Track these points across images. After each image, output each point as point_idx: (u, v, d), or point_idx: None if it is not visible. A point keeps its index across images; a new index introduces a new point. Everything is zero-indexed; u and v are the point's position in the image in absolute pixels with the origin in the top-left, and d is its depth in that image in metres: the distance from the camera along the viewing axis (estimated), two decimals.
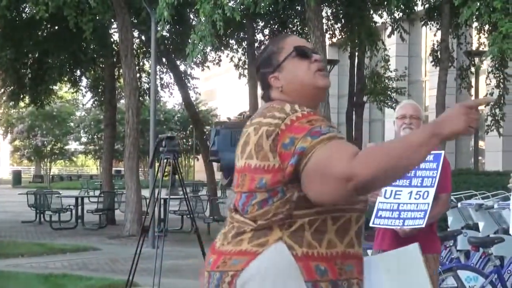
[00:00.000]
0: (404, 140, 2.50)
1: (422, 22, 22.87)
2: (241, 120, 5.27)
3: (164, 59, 25.89)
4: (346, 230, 2.64)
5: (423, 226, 4.94)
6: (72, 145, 66.85)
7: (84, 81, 28.41)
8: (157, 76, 25.02)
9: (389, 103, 24.34)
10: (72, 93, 39.99)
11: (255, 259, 2.59)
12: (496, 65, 21.31)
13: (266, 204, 2.63)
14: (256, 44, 24.55)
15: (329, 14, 23.12)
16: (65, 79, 27.27)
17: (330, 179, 2.46)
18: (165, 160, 9.20)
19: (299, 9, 22.83)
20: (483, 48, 20.88)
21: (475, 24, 19.88)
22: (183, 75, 26.96)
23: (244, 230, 2.66)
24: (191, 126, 49.90)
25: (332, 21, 23.35)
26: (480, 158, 28.50)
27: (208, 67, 26.55)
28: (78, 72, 26.76)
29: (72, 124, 61.10)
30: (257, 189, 2.64)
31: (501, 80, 21.57)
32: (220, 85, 77.25)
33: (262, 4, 15.20)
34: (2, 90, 26.74)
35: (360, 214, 2.68)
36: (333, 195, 2.49)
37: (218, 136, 5.09)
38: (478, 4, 15.06)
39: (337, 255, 2.61)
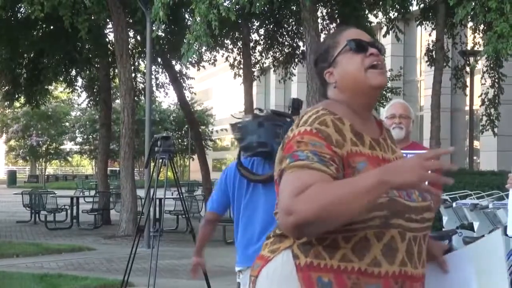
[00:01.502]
0: (351, 183, 2.34)
1: (417, 22, 22.89)
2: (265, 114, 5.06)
3: (159, 59, 25.89)
4: (364, 248, 2.46)
5: None
6: (67, 145, 66.83)
7: (80, 81, 28.42)
8: (153, 76, 25.01)
9: (384, 103, 24.36)
10: (68, 93, 40.00)
11: (266, 265, 2.58)
12: (491, 65, 21.35)
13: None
14: (251, 44, 24.58)
15: (324, 14, 23.13)
16: (61, 79, 27.27)
17: (278, 209, 2.40)
18: (161, 160, 9.21)
19: (294, 9, 22.85)
20: (478, 48, 20.92)
21: (470, 24, 19.91)
22: (178, 75, 26.97)
23: (270, 235, 2.66)
24: (186, 126, 49.90)
25: (327, 21, 23.36)
26: (475, 158, 28.58)
27: (203, 67, 26.55)
28: (73, 72, 26.77)
29: (67, 124, 61.09)
30: (278, 198, 2.57)
31: (496, 80, 21.61)
32: (216, 85, 77.27)
33: (257, 4, 15.20)
34: None
35: (381, 230, 2.47)
36: (280, 225, 2.45)
37: (263, 127, 4.84)
38: (473, 4, 15.08)
39: (353, 271, 2.46)
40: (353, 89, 2.63)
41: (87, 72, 26.68)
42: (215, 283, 10.10)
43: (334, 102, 2.66)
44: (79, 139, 61.88)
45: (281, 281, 2.54)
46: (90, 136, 57.99)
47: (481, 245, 2.76)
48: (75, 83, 27.85)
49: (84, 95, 29.38)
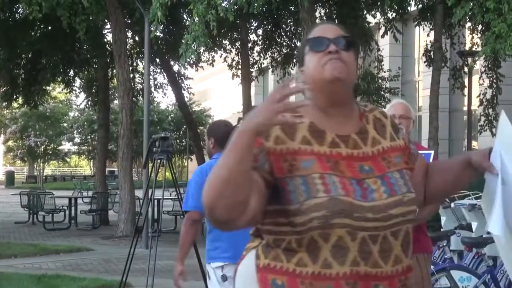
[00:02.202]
0: (223, 153, 2.36)
1: (416, 23, 22.90)
2: None
3: (157, 60, 25.90)
4: (315, 250, 2.45)
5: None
6: (66, 146, 66.77)
7: (78, 82, 28.42)
8: (151, 77, 25.02)
9: (382, 103, 24.37)
10: (66, 93, 39.95)
11: (241, 262, 2.62)
12: (489, 65, 21.37)
13: None
14: (250, 45, 24.58)
15: (322, 14, 23.13)
16: (59, 79, 27.26)
17: None
18: (159, 161, 9.20)
19: (292, 9, 22.86)
20: (476, 48, 20.92)
21: (468, 24, 19.94)
22: (176, 76, 26.97)
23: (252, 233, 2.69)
24: (184, 126, 49.90)
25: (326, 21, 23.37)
26: None
27: (202, 67, 26.54)
28: (72, 73, 26.76)
29: (65, 124, 61.02)
30: None
31: (494, 80, 21.63)
32: (214, 85, 77.26)
33: (256, 4, 15.20)
34: None
35: (325, 231, 2.44)
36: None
37: None
38: (471, 4, 15.09)
39: (307, 275, 2.45)
40: (314, 87, 2.62)
41: (85, 72, 26.68)
42: None
43: (306, 99, 2.67)
44: (77, 140, 61.84)
45: (247, 280, 2.57)
46: (88, 137, 57.96)
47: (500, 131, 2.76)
48: (73, 84, 27.86)
49: (82, 95, 29.42)
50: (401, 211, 2.53)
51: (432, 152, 5.25)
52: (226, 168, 2.31)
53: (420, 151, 5.23)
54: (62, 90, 35.08)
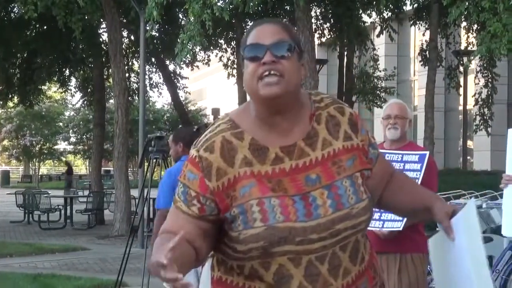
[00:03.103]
0: (158, 247, 2.28)
1: (411, 22, 22.93)
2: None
3: (153, 59, 25.88)
4: (257, 277, 2.37)
5: (401, 228, 4.91)
6: (61, 145, 66.68)
7: (73, 81, 28.39)
8: (146, 76, 25.00)
9: (378, 103, 24.39)
10: (61, 93, 39.90)
11: (204, 266, 2.65)
12: (485, 65, 21.41)
13: None
14: None
15: (318, 13, 23.14)
16: (54, 79, 27.26)
17: None
18: (155, 160, 9.20)
19: (288, 8, 22.85)
20: (471, 48, 20.96)
21: (464, 23, 19.96)
22: (172, 75, 26.95)
23: None
24: (180, 126, 49.87)
25: (321, 21, 23.37)
26: (468, 157, 28.63)
27: (197, 66, 26.54)
28: (67, 72, 26.74)
29: (61, 124, 60.94)
30: None
31: (490, 80, 21.66)
32: (210, 85, 77.26)
33: (251, 3, 15.20)
34: None
35: (265, 260, 2.36)
36: None
37: None
38: (467, 3, 15.10)
39: None
40: (251, 97, 2.44)
41: (81, 72, 26.65)
42: None
43: (247, 108, 2.50)
44: (73, 139, 61.74)
45: (207, 286, 2.60)
46: (84, 136, 57.87)
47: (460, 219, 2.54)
48: (69, 83, 27.83)
49: (78, 95, 29.39)
50: (349, 224, 2.39)
51: (427, 152, 5.25)
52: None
53: (415, 152, 5.25)
54: (57, 89, 35.00)
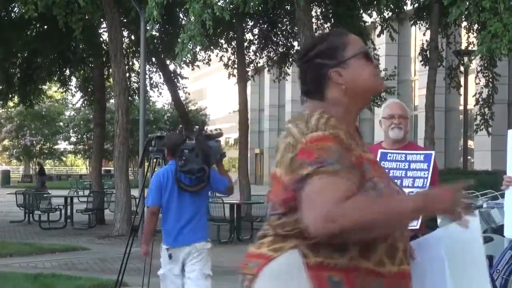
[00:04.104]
0: (390, 203, 2.52)
1: (412, 22, 22.90)
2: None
3: (153, 59, 25.86)
4: (372, 249, 2.54)
5: (418, 227, 4.90)
6: (61, 145, 66.72)
7: (74, 81, 28.37)
8: (147, 76, 24.98)
9: (378, 103, 24.36)
10: (61, 92, 39.91)
11: (269, 263, 2.57)
12: (485, 65, 21.37)
13: (284, 217, 2.58)
14: (246, 44, 24.56)
15: (318, 13, 23.12)
16: (54, 78, 27.24)
17: (314, 215, 2.41)
18: (155, 160, 9.19)
19: (288, 8, 22.84)
20: (472, 48, 20.94)
21: (464, 23, 19.93)
22: (172, 75, 26.93)
23: (267, 234, 2.65)
24: (180, 125, 49.82)
25: (322, 21, 23.35)
26: (469, 157, 28.63)
27: (198, 66, 26.51)
28: (67, 72, 26.72)
29: (61, 123, 60.97)
30: (276, 201, 2.61)
31: (490, 80, 21.63)
32: (210, 85, 77.25)
33: (252, 3, 15.19)
34: None
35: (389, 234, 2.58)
36: (312, 231, 2.44)
37: (198, 157, 7.02)
38: (467, 3, 15.09)
39: (361, 270, 2.52)
40: (360, 92, 2.71)
41: (81, 71, 26.63)
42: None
43: (329, 105, 2.66)
44: (73, 139, 61.78)
45: (288, 280, 2.53)
46: (84, 136, 57.91)
47: (453, 231, 2.72)
48: (69, 83, 27.81)
49: (78, 95, 29.36)
50: None
51: (433, 152, 5.27)
52: (390, 223, 2.52)
53: (420, 151, 5.26)
54: (58, 89, 35.03)
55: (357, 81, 2.69)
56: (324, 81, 2.69)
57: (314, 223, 2.41)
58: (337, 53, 2.69)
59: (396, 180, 5.02)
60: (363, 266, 2.51)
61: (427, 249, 2.75)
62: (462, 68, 22.00)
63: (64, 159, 71.89)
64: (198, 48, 18.27)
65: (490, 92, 21.75)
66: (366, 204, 2.44)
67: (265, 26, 24.54)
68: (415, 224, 4.92)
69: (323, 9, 23.12)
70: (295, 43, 23.93)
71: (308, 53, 2.73)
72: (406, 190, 5.01)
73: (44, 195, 23.00)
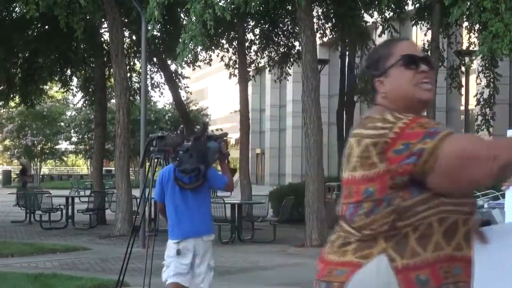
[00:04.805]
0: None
1: (413, 22, 22.91)
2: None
3: (154, 59, 25.86)
4: (453, 233, 2.64)
5: None
6: (63, 145, 66.73)
7: (75, 81, 28.37)
8: (148, 76, 24.98)
9: None
10: (63, 92, 39.93)
11: (358, 271, 2.62)
12: (486, 65, 21.38)
13: (372, 213, 2.64)
14: (247, 44, 24.56)
15: (319, 13, 23.13)
16: (56, 78, 27.24)
17: (478, 163, 2.51)
18: (156, 160, 9.18)
19: (289, 8, 22.84)
20: (473, 48, 20.94)
21: (465, 23, 19.94)
22: (173, 75, 26.94)
23: (350, 241, 2.69)
24: (181, 125, 49.83)
25: (323, 21, 23.37)
26: None
27: (199, 66, 26.51)
28: (69, 72, 26.72)
29: (62, 123, 60.97)
30: (364, 199, 2.65)
31: (491, 80, 21.63)
32: (211, 85, 77.27)
33: (253, 3, 15.20)
34: None
35: (468, 216, 2.67)
36: (484, 177, 2.54)
37: (192, 157, 7.42)
38: (468, 3, 15.09)
39: (444, 258, 2.61)
40: (402, 100, 2.79)
41: (82, 71, 26.64)
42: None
43: (383, 110, 2.76)
44: (74, 139, 61.79)
45: (379, 287, 2.59)
46: (86, 136, 57.92)
47: None
48: (70, 83, 27.81)
49: (79, 95, 29.35)
50: None
51: None
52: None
53: None
54: (59, 89, 35.00)
55: (395, 90, 2.79)
56: (375, 90, 2.86)
57: (486, 168, 2.51)
58: (381, 63, 2.83)
59: None
60: (446, 253, 2.61)
61: (504, 236, 2.79)
62: (463, 68, 21.99)
63: (65, 159, 71.91)
64: (199, 48, 18.27)
65: (491, 92, 21.75)
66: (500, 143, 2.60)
67: (266, 26, 24.54)
68: None
69: (324, 9, 23.13)
70: (296, 43, 23.93)
71: (366, 65, 2.91)
72: None
73: (45, 195, 22.96)
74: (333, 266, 2.70)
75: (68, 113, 61.93)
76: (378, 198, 2.62)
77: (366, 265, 2.61)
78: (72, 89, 29.10)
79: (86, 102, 28.41)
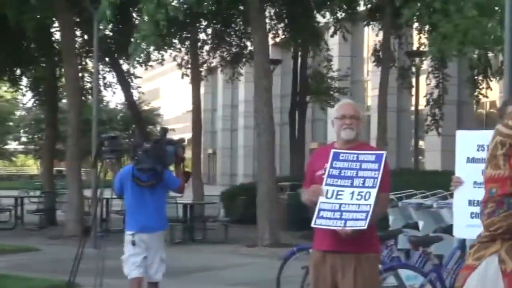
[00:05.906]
0: None
1: (364, 23, 23.10)
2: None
3: (107, 58, 25.68)
4: None
5: (365, 227, 4.92)
6: (12, 145, 65.91)
7: (25, 80, 28.01)
8: (100, 76, 24.79)
9: (331, 103, 24.52)
10: (12, 92, 39.41)
11: (471, 275, 2.63)
12: (436, 66, 21.66)
13: (493, 214, 2.60)
14: (199, 44, 24.53)
15: (272, 13, 23.19)
16: (5, 78, 26.85)
17: None
18: (107, 160, 9.15)
19: (242, 8, 22.86)
20: (423, 49, 21.19)
21: (416, 24, 20.16)
22: (126, 75, 26.78)
23: (473, 244, 2.69)
24: (134, 125, 49.59)
25: (275, 21, 23.42)
26: (420, 157, 28.92)
27: (151, 66, 26.39)
28: (18, 71, 26.36)
29: (11, 123, 60.22)
30: (488, 199, 2.62)
31: (441, 80, 21.93)
32: (164, 85, 76.96)
33: (205, 3, 15.20)
34: None
35: None
36: None
37: (150, 158, 7.99)
38: (419, 5, 15.27)
39: None
40: None
41: (33, 71, 26.31)
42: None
43: None
44: (23, 139, 61.07)
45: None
46: (35, 136, 57.27)
47: None
48: (20, 83, 27.44)
49: (29, 94, 29.00)
50: None
51: (385, 152, 5.30)
52: None
53: (372, 151, 5.30)
54: (8, 88, 34.56)
55: None
56: None
57: None
58: None
59: (347, 180, 5.07)
60: None
61: None
62: (413, 69, 22.24)
63: (14, 159, 71.01)
64: (151, 48, 18.20)
65: (440, 93, 22.03)
66: None
67: (219, 26, 24.53)
68: (363, 225, 4.95)
69: (277, 9, 23.19)
70: (249, 43, 23.96)
71: None
72: (357, 190, 5.05)
73: None
74: (461, 271, 2.73)
75: (18, 113, 61.19)
76: (499, 200, 2.58)
77: (477, 268, 2.60)
78: (22, 89, 28.75)
79: (37, 102, 28.09)
